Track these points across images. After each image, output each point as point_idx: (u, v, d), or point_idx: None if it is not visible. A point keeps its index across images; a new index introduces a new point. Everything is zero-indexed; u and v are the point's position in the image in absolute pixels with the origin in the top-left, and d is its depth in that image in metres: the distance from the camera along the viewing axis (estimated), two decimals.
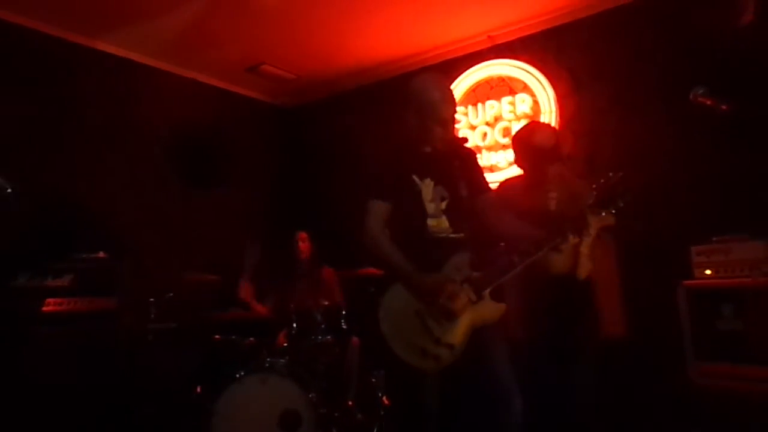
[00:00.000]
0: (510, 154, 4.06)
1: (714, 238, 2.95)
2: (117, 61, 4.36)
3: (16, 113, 3.76)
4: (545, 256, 2.11)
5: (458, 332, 2.05)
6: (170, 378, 3.68)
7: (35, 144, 3.82)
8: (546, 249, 2.07)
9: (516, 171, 2.85)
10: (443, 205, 2.16)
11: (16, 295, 3.09)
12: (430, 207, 2.15)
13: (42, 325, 3.12)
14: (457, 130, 4.42)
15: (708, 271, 2.90)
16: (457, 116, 2.26)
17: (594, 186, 2.10)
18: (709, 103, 2.24)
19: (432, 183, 2.17)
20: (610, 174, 2.09)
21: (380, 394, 3.66)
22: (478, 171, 2.35)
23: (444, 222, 2.15)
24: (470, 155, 2.35)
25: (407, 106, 2.21)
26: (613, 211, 2.07)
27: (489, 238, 2.17)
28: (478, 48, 4.45)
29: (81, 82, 4.12)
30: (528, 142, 2.62)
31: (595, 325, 2.60)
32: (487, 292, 2.07)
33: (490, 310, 2.09)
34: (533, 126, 2.78)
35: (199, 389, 3.50)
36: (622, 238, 3.41)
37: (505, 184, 2.78)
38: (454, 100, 2.24)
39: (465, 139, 2.33)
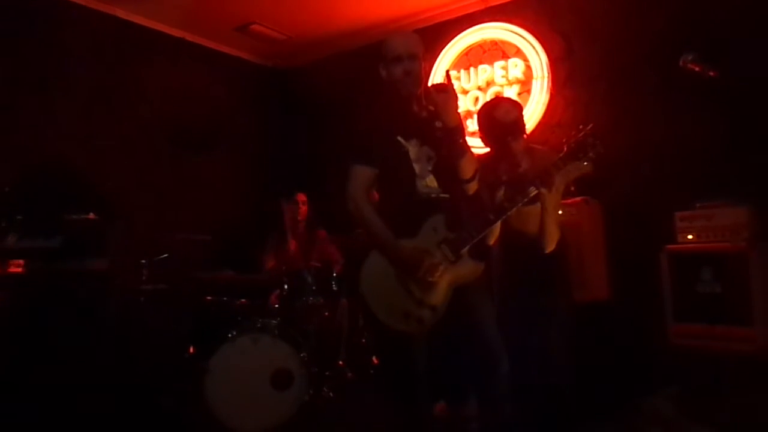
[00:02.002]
0: None
1: (697, 204, 3.01)
2: (103, 17, 4.26)
3: (4, 75, 3.69)
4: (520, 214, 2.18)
5: (439, 293, 2.08)
6: (163, 338, 3.73)
7: (23, 104, 3.77)
8: (519, 203, 2.13)
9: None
10: (430, 165, 2.18)
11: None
12: (418, 168, 2.16)
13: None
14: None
15: (690, 236, 2.96)
16: (415, 54, 2.18)
17: (565, 140, 2.16)
18: (698, 69, 2.26)
19: (418, 144, 2.18)
20: (580, 127, 2.15)
21: (370, 354, 3.75)
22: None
23: (433, 181, 2.16)
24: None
25: (378, 65, 2.23)
26: (585, 164, 2.15)
27: (466, 198, 2.19)
28: (472, 10, 4.40)
29: (68, 40, 4.04)
30: (489, 118, 2.62)
31: (566, 290, 2.65)
32: (465, 251, 2.10)
33: (468, 269, 2.12)
34: (494, 101, 2.76)
35: (191, 349, 3.56)
36: (608, 202, 3.49)
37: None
38: (412, 39, 2.24)
39: (446, 79, 2.27)
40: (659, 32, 3.57)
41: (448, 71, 2.21)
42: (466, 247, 2.10)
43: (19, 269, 3.08)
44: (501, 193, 2.18)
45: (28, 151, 3.71)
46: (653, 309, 3.06)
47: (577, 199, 3.32)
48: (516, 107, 2.67)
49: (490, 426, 2.19)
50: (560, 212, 2.66)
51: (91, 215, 3.45)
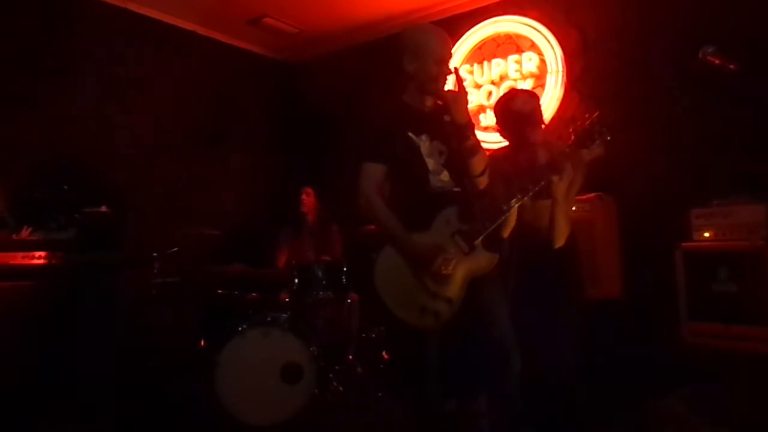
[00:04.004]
0: None
1: (715, 201, 2.95)
2: (115, 11, 4.26)
3: (15, 67, 3.72)
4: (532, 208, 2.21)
5: (455, 285, 2.08)
6: (174, 331, 3.75)
7: (36, 98, 3.79)
8: (531, 192, 2.12)
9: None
10: (442, 159, 2.17)
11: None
12: (430, 163, 2.15)
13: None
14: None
15: (707, 234, 2.91)
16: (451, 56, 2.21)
17: (571, 129, 2.15)
18: (717, 62, 2.21)
19: (429, 139, 2.17)
20: (586, 115, 2.15)
21: (380, 349, 3.75)
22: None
23: (446, 175, 2.16)
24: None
25: (403, 54, 2.19)
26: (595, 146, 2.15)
27: (478, 191, 2.17)
28: (485, 3, 4.35)
29: (80, 34, 4.04)
30: (507, 109, 2.61)
31: (578, 287, 2.63)
32: (478, 242, 2.09)
33: (483, 260, 2.11)
34: (512, 93, 2.77)
35: (202, 342, 3.58)
36: (622, 198, 3.44)
37: (491, 155, 2.78)
38: (448, 40, 2.22)
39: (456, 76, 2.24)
40: (677, 25, 3.50)
41: (457, 68, 2.19)
42: (480, 238, 2.09)
43: (42, 261, 3.10)
44: (514, 183, 2.16)
45: (42, 144, 3.73)
46: (667, 307, 3.02)
47: (591, 195, 3.27)
48: (533, 98, 2.66)
49: (500, 423, 2.17)
50: (573, 208, 2.64)
51: (104, 208, 3.48)
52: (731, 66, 2.20)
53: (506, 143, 2.74)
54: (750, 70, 2.28)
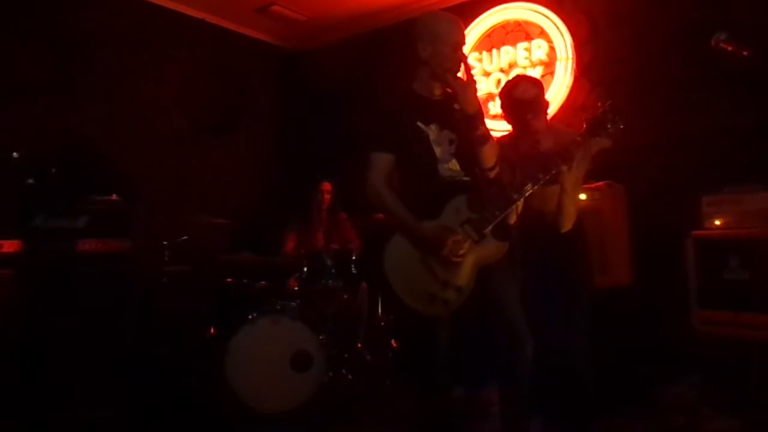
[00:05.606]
0: None
1: (726, 189, 2.93)
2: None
3: (27, 57, 3.73)
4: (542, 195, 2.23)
5: (464, 273, 2.08)
6: (185, 319, 3.79)
7: (47, 87, 3.81)
8: (542, 181, 2.13)
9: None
10: (452, 148, 2.16)
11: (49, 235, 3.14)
12: (439, 151, 2.15)
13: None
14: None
15: (718, 222, 2.88)
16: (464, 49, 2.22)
17: (583, 118, 2.18)
18: (730, 48, 2.19)
19: (438, 128, 2.17)
20: (599, 104, 2.17)
21: (389, 337, 3.77)
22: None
23: (455, 164, 2.15)
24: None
25: (419, 40, 2.18)
26: (602, 138, 2.19)
27: (487, 180, 2.17)
28: None
29: (89, 22, 4.05)
30: (509, 96, 2.62)
31: (586, 273, 2.63)
32: (488, 230, 2.09)
33: (492, 248, 2.12)
34: (515, 80, 2.76)
35: (212, 330, 3.61)
36: (632, 186, 3.42)
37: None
38: (463, 27, 2.24)
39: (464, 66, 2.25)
40: (688, 12, 3.46)
41: (466, 57, 2.19)
42: (490, 227, 2.09)
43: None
44: (522, 171, 2.17)
45: (52, 132, 3.75)
46: (677, 295, 3.00)
47: (600, 183, 3.26)
48: (536, 85, 2.66)
49: (511, 410, 2.18)
50: (584, 196, 2.64)
51: (114, 196, 3.50)
52: (744, 52, 2.17)
53: (509, 130, 2.74)
54: (763, 57, 2.24)
